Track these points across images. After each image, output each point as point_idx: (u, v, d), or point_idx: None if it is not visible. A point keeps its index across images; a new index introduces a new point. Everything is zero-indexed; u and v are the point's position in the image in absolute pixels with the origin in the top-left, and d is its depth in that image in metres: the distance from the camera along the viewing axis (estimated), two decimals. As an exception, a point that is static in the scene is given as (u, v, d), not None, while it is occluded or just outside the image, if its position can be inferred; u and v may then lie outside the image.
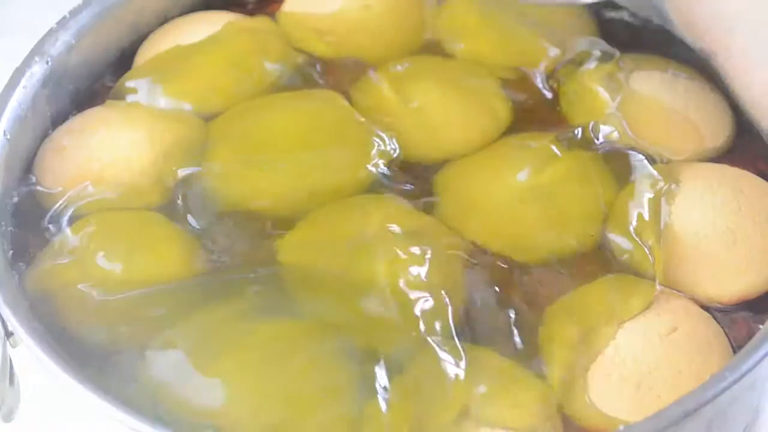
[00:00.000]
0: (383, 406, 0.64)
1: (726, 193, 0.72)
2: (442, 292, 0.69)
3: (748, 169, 0.76)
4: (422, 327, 0.67)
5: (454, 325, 0.67)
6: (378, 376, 0.65)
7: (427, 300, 0.69)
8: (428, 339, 0.67)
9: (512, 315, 0.69)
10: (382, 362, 0.66)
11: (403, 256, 0.70)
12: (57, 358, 0.64)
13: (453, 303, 0.68)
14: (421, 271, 0.70)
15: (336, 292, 0.70)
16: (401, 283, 0.69)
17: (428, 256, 0.71)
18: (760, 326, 0.69)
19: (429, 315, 0.68)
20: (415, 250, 0.71)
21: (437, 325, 0.67)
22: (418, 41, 0.86)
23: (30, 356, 0.66)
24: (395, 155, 0.77)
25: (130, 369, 0.66)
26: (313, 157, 0.77)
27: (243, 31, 0.84)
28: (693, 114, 0.78)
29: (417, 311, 0.68)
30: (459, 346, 0.66)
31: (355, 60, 0.84)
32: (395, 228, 0.72)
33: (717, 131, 0.78)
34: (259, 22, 0.86)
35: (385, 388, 0.65)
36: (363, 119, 0.78)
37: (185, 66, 0.82)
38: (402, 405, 0.64)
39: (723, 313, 0.70)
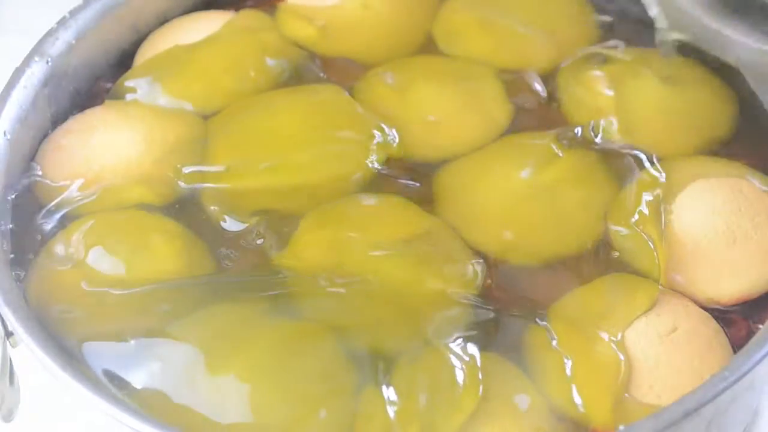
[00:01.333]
0: (390, 409, 0.64)
1: (726, 193, 0.72)
2: (454, 294, 0.69)
3: (749, 166, 0.76)
4: (434, 331, 0.67)
5: (465, 330, 0.67)
6: (386, 379, 0.65)
7: (437, 302, 0.69)
8: (440, 343, 0.67)
9: (514, 317, 0.69)
10: (390, 365, 0.66)
11: (413, 260, 0.70)
12: (57, 358, 0.64)
13: (465, 307, 0.68)
14: (430, 273, 0.70)
15: (345, 294, 0.70)
16: (410, 286, 0.69)
17: (439, 258, 0.71)
18: (760, 326, 0.69)
19: (442, 318, 0.68)
20: (426, 252, 0.71)
21: (450, 330, 0.67)
22: (418, 41, 0.86)
23: (30, 356, 0.66)
24: (395, 144, 0.77)
25: (131, 368, 0.66)
26: (315, 151, 0.77)
27: (242, 29, 0.84)
28: (693, 113, 0.78)
29: (428, 313, 0.68)
30: (471, 352, 0.66)
31: (355, 60, 0.83)
32: (403, 230, 0.72)
33: (717, 130, 0.78)
34: (258, 19, 0.86)
35: (393, 392, 0.65)
36: (364, 111, 0.78)
37: (184, 65, 0.82)
38: (409, 408, 0.64)
39: (723, 313, 0.70)
